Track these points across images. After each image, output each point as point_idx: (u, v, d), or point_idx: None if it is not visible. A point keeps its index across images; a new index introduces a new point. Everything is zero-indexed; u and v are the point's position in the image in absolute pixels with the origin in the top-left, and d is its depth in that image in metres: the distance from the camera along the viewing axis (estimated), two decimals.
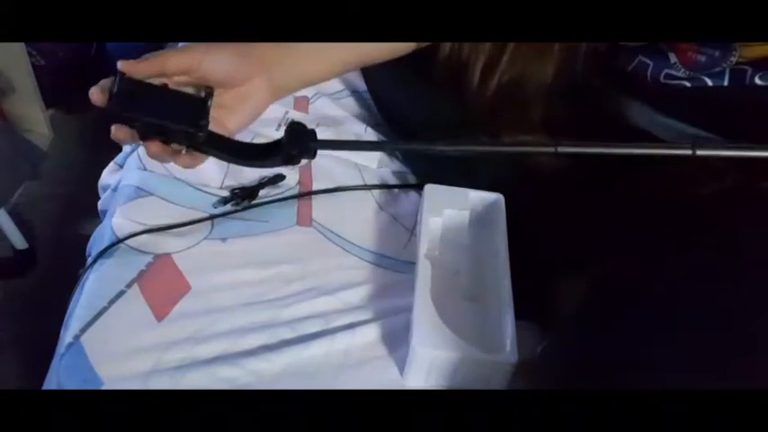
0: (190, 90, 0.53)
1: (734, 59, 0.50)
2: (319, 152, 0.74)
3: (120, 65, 0.50)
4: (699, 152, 0.42)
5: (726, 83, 0.51)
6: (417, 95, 0.71)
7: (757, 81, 0.50)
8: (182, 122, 0.50)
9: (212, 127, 0.52)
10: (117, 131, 0.51)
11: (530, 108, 0.60)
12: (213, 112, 0.51)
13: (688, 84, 0.53)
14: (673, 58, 0.53)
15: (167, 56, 0.52)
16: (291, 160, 0.52)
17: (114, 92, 0.48)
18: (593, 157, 0.48)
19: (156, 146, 0.52)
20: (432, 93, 0.67)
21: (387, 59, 0.63)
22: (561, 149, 0.45)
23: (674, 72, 0.53)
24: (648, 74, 0.55)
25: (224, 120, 0.55)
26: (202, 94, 0.52)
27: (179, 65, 0.52)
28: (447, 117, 0.67)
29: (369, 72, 0.78)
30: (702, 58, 0.51)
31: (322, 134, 0.74)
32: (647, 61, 0.55)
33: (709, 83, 0.52)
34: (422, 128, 0.71)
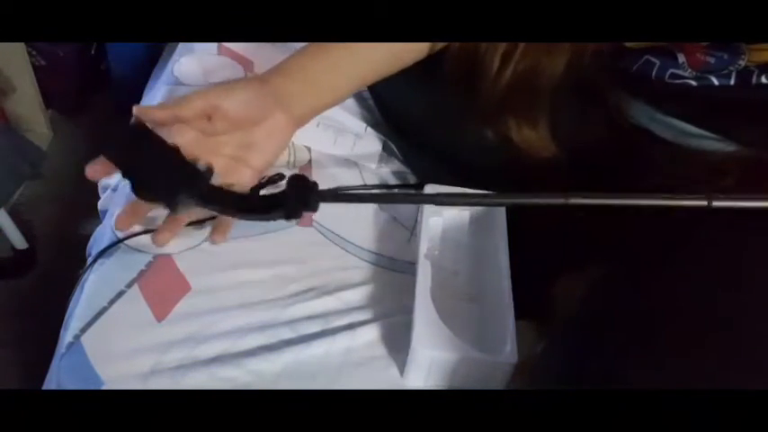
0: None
1: (742, 63, 0.50)
2: (319, 152, 0.74)
3: (136, 110, 0.50)
4: (715, 204, 0.41)
5: (732, 82, 0.51)
6: (419, 92, 0.70)
7: (764, 80, 0.50)
8: (178, 186, 0.50)
9: (239, 168, 0.52)
10: (94, 168, 0.52)
11: (538, 102, 0.60)
12: (239, 152, 0.51)
13: (694, 83, 0.53)
14: (681, 58, 0.53)
15: (184, 100, 0.52)
16: (293, 215, 0.50)
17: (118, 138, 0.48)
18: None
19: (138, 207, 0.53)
20: (435, 87, 0.67)
21: (401, 69, 0.63)
22: (573, 201, 0.44)
23: (680, 72, 0.53)
24: (653, 73, 0.55)
25: (249, 159, 0.56)
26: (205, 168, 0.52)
27: (196, 108, 0.53)
28: (450, 113, 0.67)
29: None
30: (711, 60, 0.51)
31: (322, 134, 0.75)
32: (654, 60, 0.55)
33: (716, 82, 0.52)
34: (423, 126, 0.71)
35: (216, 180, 0.52)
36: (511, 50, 0.57)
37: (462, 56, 0.61)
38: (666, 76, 0.54)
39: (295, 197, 0.50)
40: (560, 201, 0.44)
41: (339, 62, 0.60)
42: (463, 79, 0.61)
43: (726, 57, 0.50)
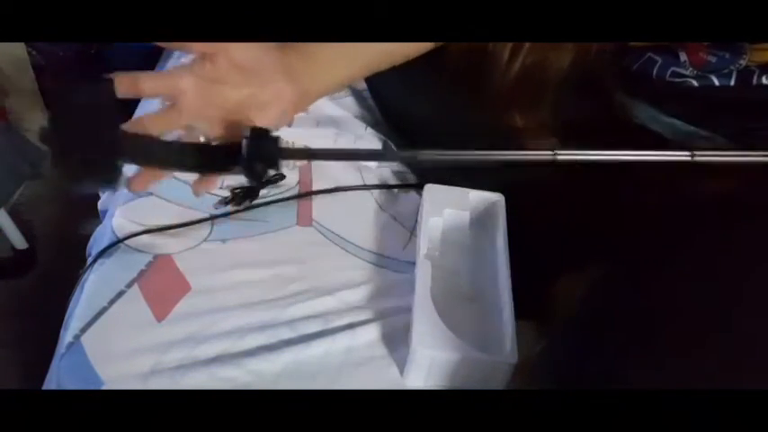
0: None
1: (743, 63, 0.50)
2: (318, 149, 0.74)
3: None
4: (697, 157, 0.42)
5: (732, 82, 0.52)
6: (421, 89, 0.70)
7: (764, 80, 0.50)
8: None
9: (236, 126, 0.50)
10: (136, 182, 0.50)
11: (543, 98, 0.60)
12: (240, 109, 0.50)
13: (695, 82, 0.53)
14: (683, 56, 0.53)
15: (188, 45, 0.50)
16: (253, 174, 0.47)
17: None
18: (592, 163, 0.47)
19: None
20: (438, 84, 0.67)
21: (411, 58, 0.62)
22: (560, 157, 0.44)
23: (681, 71, 0.53)
24: (654, 71, 0.55)
25: (250, 119, 0.53)
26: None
27: (204, 47, 0.50)
28: (452, 110, 0.67)
29: None
30: (713, 59, 0.51)
31: (322, 134, 0.75)
32: (656, 58, 0.55)
33: (716, 82, 0.52)
34: (423, 124, 0.71)
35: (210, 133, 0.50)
36: (519, 44, 0.57)
37: (471, 48, 0.60)
38: (668, 75, 0.54)
39: (254, 154, 0.46)
40: (548, 155, 0.44)
41: (353, 45, 0.58)
42: (470, 73, 0.61)
43: (727, 56, 0.51)
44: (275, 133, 0.48)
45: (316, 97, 0.59)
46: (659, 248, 0.48)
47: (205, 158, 0.49)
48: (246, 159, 0.46)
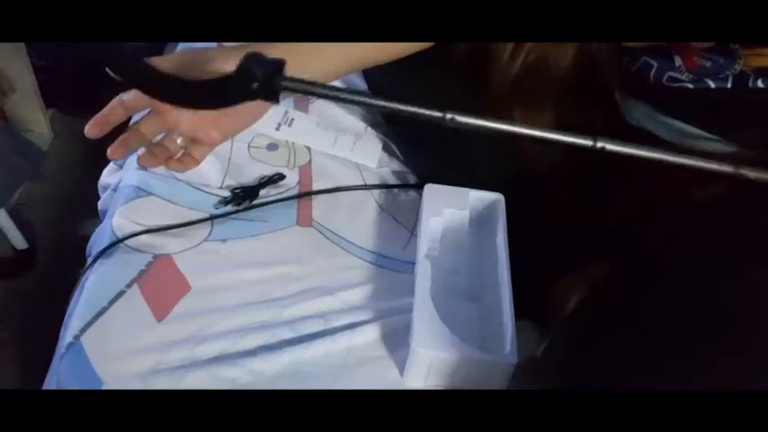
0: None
1: (738, 67, 0.50)
2: (319, 152, 0.74)
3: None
4: (599, 144, 0.41)
5: (729, 85, 0.52)
6: (422, 87, 0.70)
7: (760, 84, 0.50)
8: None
9: (212, 129, 0.50)
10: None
11: (545, 95, 0.60)
12: (215, 114, 0.49)
13: (690, 86, 0.53)
14: (678, 61, 0.53)
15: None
16: (246, 96, 0.40)
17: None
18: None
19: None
20: (438, 82, 0.66)
21: (394, 59, 0.62)
22: (600, 144, 0.42)
23: (677, 75, 0.54)
24: (651, 75, 0.55)
25: (225, 120, 0.54)
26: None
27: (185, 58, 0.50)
28: (453, 108, 0.67)
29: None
30: (707, 64, 0.51)
31: (322, 134, 0.75)
32: (652, 62, 0.55)
33: (712, 85, 0.52)
34: (423, 124, 0.71)
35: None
36: (520, 44, 0.57)
37: (472, 48, 0.60)
38: (664, 79, 0.55)
39: (252, 74, 0.40)
40: (588, 143, 0.42)
41: (329, 47, 0.58)
42: (472, 70, 0.61)
43: (722, 61, 0.51)
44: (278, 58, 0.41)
45: (293, 92, 0.58)
46: (659, 248, 0.48)
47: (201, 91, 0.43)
48: (243, 83, 0.40)
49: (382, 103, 0.42)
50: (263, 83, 0.40)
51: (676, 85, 0.54)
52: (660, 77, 0.55)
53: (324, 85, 0.42)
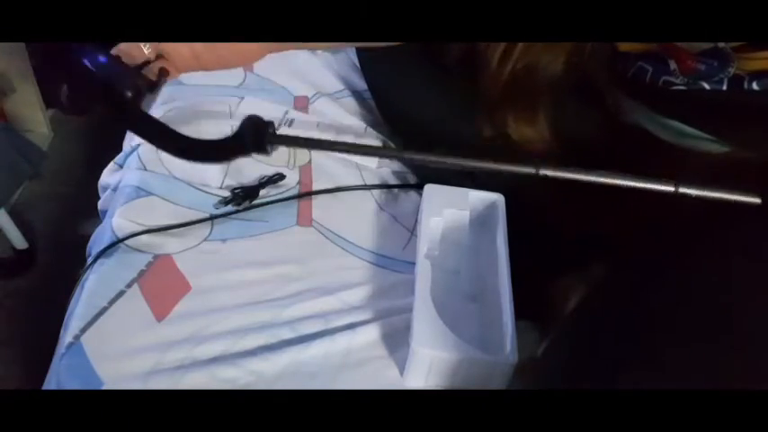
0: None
1: (731, 71, 0.50)
2: (319, 152, 0.74)
3: None
4: (681, 190, 0.42)
5: (724, 87, 0.52)
6: (420, 89, 0.70)
7: (755, 86, 0.50)
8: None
9: (195, 59, 0.52)
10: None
11: (537, 100, 0.60)
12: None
13: (685, 88, 0.54)
14: (672, 65, 0.53)
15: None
16: (240, 152, 0.48)
17: None
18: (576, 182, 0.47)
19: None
20: (436, 85, 0.67)
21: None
22: (542, 172, 0.44)
23: (672, 79, 0.54)
24: (647, 78, 0.55)
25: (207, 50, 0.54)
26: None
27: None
28: (450, 110, 0.67)
29: (369, 67, 0.78)
30: (702, 67, 0.51)
31: (322, 134, 0.75)
32: (647, 67, 0.55)
33: (707, 87, 0.52)
34: (423, 124, 0.71)
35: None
36: (511, 48, 0.57)
37: (463, 51, 0.60)
38: (660, 82, 0.55)
39: (247, 136, 0.47)
40: (531, 171, 0.44)
41: None
42: (465, 75, 0.61)
43: (716, 64, 0.51)
44: (268, 119, 0.48)
45: (281, 45, 0.58)
46: (659, 249, 0.48)
47: (202, 149, 0.50)
48: (237, 138, 0.47)
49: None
50: (254, 143, 0.47)
51: (671, 88, 0.54)
52: (656, 81, 0.55)
53: (315, 140, 0.47)
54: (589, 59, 0.58)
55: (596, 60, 0.58)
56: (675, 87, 0.54)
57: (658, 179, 0.42)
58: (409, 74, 0.65)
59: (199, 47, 0.53)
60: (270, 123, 0.48)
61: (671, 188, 0.42)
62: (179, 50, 0.53)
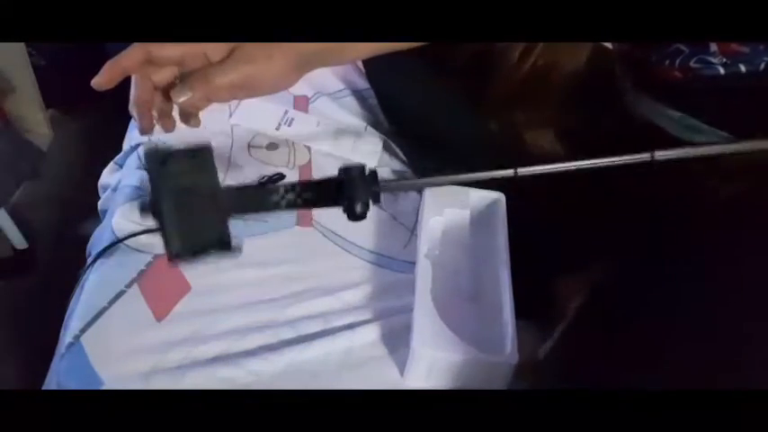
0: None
1: None
2: (319, 152, 0.74)
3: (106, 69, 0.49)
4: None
5: (761, 68, 0.50)
6: (425, 85, 0.70)
7: None
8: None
9: (237, 89, 0.50)
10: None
11: (548, 98, 0.60)
12: (239, 68, 0.49)
13: (722, 70, 0.52)
14: (713, 46, 0.52)
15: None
16: (355, 215, 0.43)
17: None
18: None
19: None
20: (442, 81, 0.66)
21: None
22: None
23: (710, 58, 0.52)
24: (678, 61, 0.54)
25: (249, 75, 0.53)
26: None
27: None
28: (456, 108, 0.67)
29: (371, 65, 0.78)
30: (746, 50, 0.50)
31: (322, 134, 0.75)
32: (684, 48, 0.54)
33: (743, 69, 0.51)
34: (426, 121, 0.71)
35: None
36: (532, 46, 0.57)
37: (480, 48, 0.60)
38: (692, 61, 0.53)
39: (352, 191, 0.43)
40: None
41: None
42: (477, 72, 0.61)
43: (762, 47, 0.49)
44: (371, 167, 0.44)
45: (313, 66, 0.56)
46: (660, 248, 0.48)
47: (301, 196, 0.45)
48: (346, 199, 0.43)
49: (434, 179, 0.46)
50: (366, 198, 0.43)
51: (703, 67, 0.53)
52: (687, 62, 0.53)
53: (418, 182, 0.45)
54: (609, 53, 0.57)
55: (619, 50, 0.57)
56: (709, 68, 0.52)
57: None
58: (413, 72, 0.65)
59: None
60: (375, 172, 0.44)
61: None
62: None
